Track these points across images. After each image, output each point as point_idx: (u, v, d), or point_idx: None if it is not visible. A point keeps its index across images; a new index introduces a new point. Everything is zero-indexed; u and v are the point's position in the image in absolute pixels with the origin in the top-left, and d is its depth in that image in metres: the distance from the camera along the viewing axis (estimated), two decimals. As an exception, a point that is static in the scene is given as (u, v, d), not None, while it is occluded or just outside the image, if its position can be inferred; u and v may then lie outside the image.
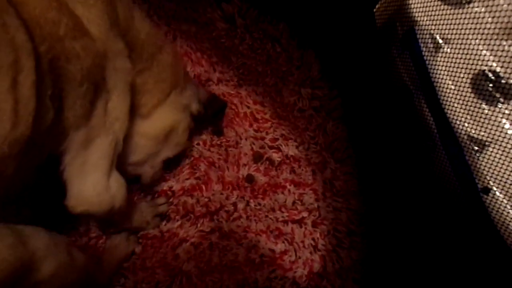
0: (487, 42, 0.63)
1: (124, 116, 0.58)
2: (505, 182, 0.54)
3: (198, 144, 0.87)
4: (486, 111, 0.60)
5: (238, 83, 0.93)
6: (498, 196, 0.54)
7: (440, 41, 0.65)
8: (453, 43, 0.64)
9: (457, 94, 0.61)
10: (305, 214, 0.84)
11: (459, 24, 0.63)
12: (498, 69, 0.63)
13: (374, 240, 0.81)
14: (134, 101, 0.61)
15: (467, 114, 0.60)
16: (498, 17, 0.63)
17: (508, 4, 0.63)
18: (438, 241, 0.64)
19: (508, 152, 0.55)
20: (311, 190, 0.86)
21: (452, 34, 0.64)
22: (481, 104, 0.61)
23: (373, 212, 0.83)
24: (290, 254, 0.80)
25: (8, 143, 0.41)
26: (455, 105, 0.61)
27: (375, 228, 0.82)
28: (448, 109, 0.61)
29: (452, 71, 0.62)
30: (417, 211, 0.69)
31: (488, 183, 0.55)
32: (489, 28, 0.62)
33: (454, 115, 0.60)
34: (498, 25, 0.63)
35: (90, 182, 0.56)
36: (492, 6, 0.64)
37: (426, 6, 0.66)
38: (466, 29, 0.63)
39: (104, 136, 0.56)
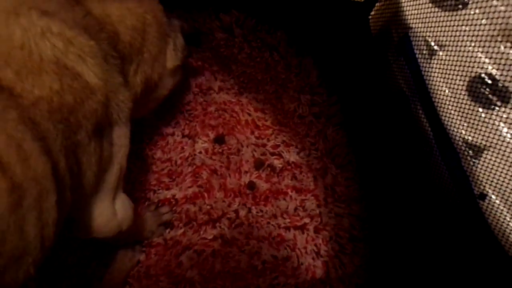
0: (483, 45, 0.63)
1: (127, 141, 0.59)
2: (502, 188, 0.53)
3: (200, 152, 0.89)
4: (482, 116, 0.60)
5: (239, 91, 0.94)
6: (494, 202, 0.54)
7: (435, 46, 0.64)
8: (448, 48, 0.64)
9: (452, 99, 0.61)
10: (307, 220, 0.84)
11: (454, 28, 0.63)
12: (494, 72, 0.62)
13: (376, 245, 0.81)
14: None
15: (463, 119, 0.60)
16: (496, 22, 0.62)
17: (504, 7, 0.63)
18: (439, 246, 0.64)
19: (507, 157, 0.54)
20: (312, 196, 0.86)
21: (447, 39, 0.64)
22: (477, 108, 0.61)
23: (375, 217, 0.83)
24: (293, 261, 0.81)
25: (37, 262, 0.41)
26: (451, 110, 0.61)
27: (377, 233, 0.82)
28: (443, 115, 0.61)
29: (447, 76, 0.62)
30: (418, 216, 0.69)
31: (484, 189, 0.55)
32: (484, 31, 0.62)
33: (449, 120, 0.60)
34: (494, 28, 0.63)
35: (98, 213, 0.57)
36: (487, 9, 0.64)
37: (421, 12, 0.66)
38: (461, 33, 0.63)
39: (111, 169, 0.57)
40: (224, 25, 0.93)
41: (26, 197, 0.37)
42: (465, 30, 0.63)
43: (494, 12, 0.63)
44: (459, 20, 0.63)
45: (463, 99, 0.61)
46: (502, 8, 0.63)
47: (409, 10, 0.67)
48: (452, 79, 0.62)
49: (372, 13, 0.73)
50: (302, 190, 0.87)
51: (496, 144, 0.57)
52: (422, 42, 0.64)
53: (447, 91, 0.62)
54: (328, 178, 0.87)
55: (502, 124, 0.59)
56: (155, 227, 0.80)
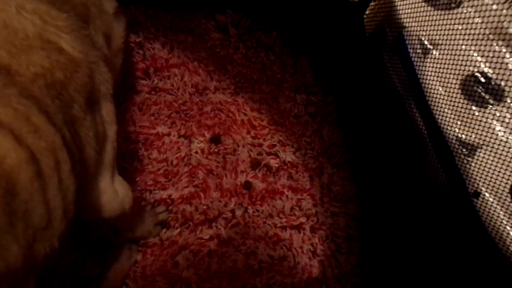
0: (477, 44, 0.63)
1: (115, 118, 0.59)
2: (495, 186, 0.54)
3: (196, 152, 0.89)
4: (476, 114, 0.60)
5: (235, 91, 0.94)
6: (488, 200, 0.54)
7: (429, 45, 0.65)
8: (442, 47, 0.64)
9: (446, 98, 0.61)
10: (303, 219, 0.84)
11: (448, 27, 0.63)
12: (487, 71, 0.63)
13: (372, 244, 0.81)
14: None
15: (457, 117, 0.60)
16: (490, 21, 0.62)
17: (496, 5, 0.63)
18: (435, 244, 0.64)
19: (499, 155, 0.55)
20: (308, 195, 0.86)
21: (441, 38, 0.64)
22: (471, 107, 0.61)
23: (371, 216, 0.83)
24: (289, 260, 0.81)
25: (61, 235, 0.42)
26: (445, 109, 0.61)
27: (373, 232, 0.82)
28: (437, 113, 0.61)
29: (441, 75, 0.62)
30: (413, 215, 0.69)
31: (478, 187, 0.55)
32: (479, 31, 0.62)
33: (443, 119, 0.60)
34: (487, 27, 0.63)
35: (101, 191, 0.57)
36: (481, 8, 0.64)
37: (415, 11, 0.66)
38: (455, 32, 0.63)
39: (106, 146, 0.57)
40: (220, 25, 0.93)
41: (43, 167, 0.38)
42: (458, 29, 0.63)
43: (487, 11, 0.63)
44: (452, 19, 0.64)
45: (457, 97, 0.61)
46: (495, 7, 0.64)
47: (403, 9, 0.67)
48: (446, 77, 0.62)
49: (367, 12, 0.73)
50: (298, 189, 0.87)
51: (489, 142, 0.57)
52: (416, 41, 0.65)
53: (441, 89, 0.62)
54: (324, 178, 0.87)
55: (495, 123, 0.59)
56: (151, 226, 0.80)
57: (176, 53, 0.96)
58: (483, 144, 0.57)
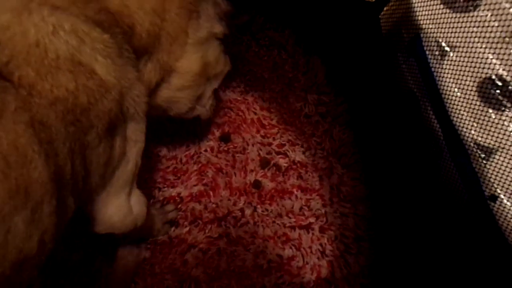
0: (494, 47, 0.63)
1: (143, 136, 0.58)
2: (513, 190, 0.53)
3: (205, 150, 0.88)
4: (493, 117, 0.60)
5: (245, 90, 0.94)
6: (506, 204, 0.54)
7: (446, 47, 0.64)
8: (459, 49, 0.64)
9: (463, 101, 0.61)
10: (312, 219, 0.84)
11: (465, 30, 0.63)
12: (505, 75, 0.62)
13: (381, 245, 0.81)
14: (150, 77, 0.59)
15: (474, 120, 0.60)
16: (505, 21, 0.62)
17: (515, 9, 0.63)
18: (446, 247, 0.64)
19: (516, 159, 0.54)
20: (318, 195, 0.86)
21: (458, 40, 0.64)
22: (487, 110, 0.61)
23: (380, 217, 0.83)
24: (298, 260, 0.81)
25: (40, 264, 0.41)
26: (462, 111, 0.61)
27: (382, 233, 0.82)
28: (454, 116, 0.61)
29: (458, 78, 0.62)
30: (424, 217, 0.69)
31: (496, 191, 0.55)
32: (495, 34, 0.62)
33: (460, 121, 0.60)
34: (505, 30, 0.63)
35: (114, 209, 0.57)
36: (498, 11, 0.64)
37: (432, 13, 0.66)
38: (472, 35, 0.63)
39: (124, 165, 0.56)
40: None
41: (30, 200, 0.37)
42: (475, 32, 0.63)
43: (503, 14, 0.63)
44: (470, 22, 0.63)
45: (473, 100, 0.61)
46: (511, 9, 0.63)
47: (420, 11, 0.67)
48: (463, 80, 0.62)
49: (383, 12, 0.73)
50: (308, 189, 0.86)
51: (507, 146, 0.57)
52: (434, 43, 0.64)
53: (458, 92, 0.62)
54: (333, 178, 0.87)
55: (512, 126, 0.59)
56: (160, 225, 0.79)
57: (186, 50, 0.95)
58: (500, 148, 0.57)
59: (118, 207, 0.57)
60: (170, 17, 0.57)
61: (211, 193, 0.85)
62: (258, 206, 0.84)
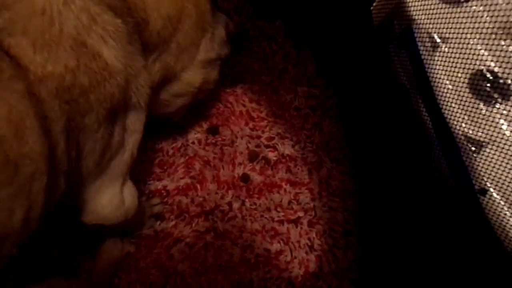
0: (485, 41, 0.62)
1: (142, 127, 0.56)
2: (502, 183, 0.53)
3: (193, 143, 0.86)
4: (483, 111, 0.60)
5: (234, 81, 0.92)
6: (495, 198, 0.53)
7: (438, 40, 0.64)
8: (450, 42, 0.63)
9: (454, 94, 0.61)
10: (301, 213, 0.83)
11: (457, 23, 0.63)
12: (496, 69, 0.62)
13: (370, 240, 0.81)
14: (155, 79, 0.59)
15: (464, 114, 0.60)
16: (497, 16, 0.62)
17: (507, 3, 0.63)
18: (435, 241, 0.64)
19: (506, 153, 0.54)
20: (307, 189, 0.85)
21: (450, 33, 0.63)
22: (478, 104, 0.60)
23: (369, 212, 0.83)
24: (286, 254, 0.80)
25: (21, 243, 0.39)
26: (452, 105, 0.60)
27: (371, 228, 0.81)
28: (445, 109, 0.60)
29: (450, 71, 0.61)
30: (414, 211, 0.69)
31: (485, 184, 0.55)
32: (487, 27, 0.62)
33: (451, 115, 0.60)
34: (497, 24, 0.62)
35: (107, 199, 0.55)
36: (490, 5, 0.63)
37: (424, 5, 0.65)
38: (464, 28, 0.62)
39: (121, 155, 0.54)
40: (222, 12, 0.90)
41: (18, 174, 0.35)
42: (467, 24, 0.63)
43: (495, 8, 0.63)
44: (461, 15, 0.63)
45: (464, 94, 0.60)
46: (503, 5, 0.63)
47: (412, 3, 0.66)
48: (454, 73, 0.61)
49: (374, 4, 0.71)
50: (297, 183, 0.85)
51: (497, 140, 0.56)
52: (426, 35, 0.64)
53: (449, 85, 0.61)
54: (323, 172, 0.86)
55: (502, 121, 0.59)
56: (146, 219, 0.77)
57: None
58: (490, 141, 0.57)
59: (111, 198, 0.55)
60: (183, 29, 0.58)
61: (198, 186, 0.83)
62: (246, 200, 0.83)
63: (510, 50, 0.63)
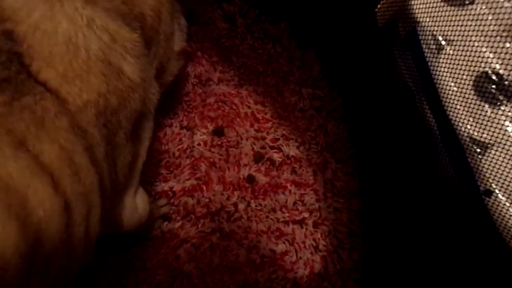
0: (490, 43, 0.62)
1: (151, 133, 0.56)
2: (508, 185, 0.53)
3: (199, 144, 0.87)
4: (488, 113, 0.60)
5: (238, 83, 0.92)
6: (501, 199, 0.54)
7: (443, 42, 0.64)
8: (455, 44, 0.63)
9: (459, 96, 0.61)
10: (306, 214, 0.83)
11: (461, 25, 0.63)
12: (501, 71, 0.62)
13: (375, 241, 0.81)
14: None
15: (469, 115, 0.60)
16: (502, 18, 0.62)
17: (510, 2, 0.63)
18: (440, 242, 0.64)
19: (511, 154, 0.54)
20: (312, 190, 0.85)
21: (454, 35, 0.63)
22: (483, 105, 0.60)
23: (374, 212, 0.83)
24: (291, 255, 0.80)
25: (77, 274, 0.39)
26: (457, 106, 0.61)
27: (376, 228, 0.82)
28: (450, 111, 0.61)
29: (455, 72, 0.62)
30: (418, 212, 0.69)
31: (491, 186, 0.55)
32: (492, 29, 0.62)
33: (456, 116, 0.60)
34: (502, 26, 0.62)
35: (124, 208, 0.55)
36: (495, 6, 0.63)
37: (429, 7, 0.65)
38: (468, 30, 0.62)
39: (138, 163, 0.55)
40: (227, 14, 0.91)
41: (75, 215, 0.34)
42: (472, 26, 0.63)
43: (500, 10, 0.63)
44: (466, 17, 0.63)
45: (469, 95, 0.61)
46: (509, 7, 0.63)
47: (416, 5, 0.66)
48: (459, 75, 0.61)
49: (379, 6, 0.72)
50: (302, 184, 0.86)
51: (502, 141, 0.57)
52: (430, 37, 0.64)
53: (454, 87, 0.61)
54: (327, 173, 0.86)
55: (507, 122, 0.59)
56: (152, 220, 0.78)
57: (179, 42, 0.93)
58: (495, 143, 0.57)
59: (127, 206, 0.55)
60: (163, 18, 0.57)
61: (204, 187, 0.84)
62: (252, 201, 0.84)
63: (514, 51, 0.63)
